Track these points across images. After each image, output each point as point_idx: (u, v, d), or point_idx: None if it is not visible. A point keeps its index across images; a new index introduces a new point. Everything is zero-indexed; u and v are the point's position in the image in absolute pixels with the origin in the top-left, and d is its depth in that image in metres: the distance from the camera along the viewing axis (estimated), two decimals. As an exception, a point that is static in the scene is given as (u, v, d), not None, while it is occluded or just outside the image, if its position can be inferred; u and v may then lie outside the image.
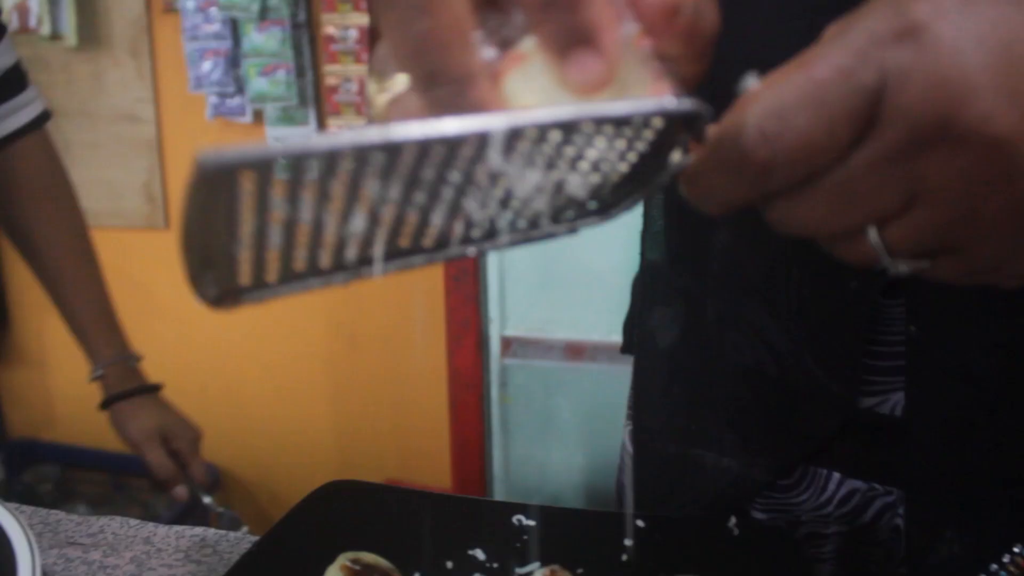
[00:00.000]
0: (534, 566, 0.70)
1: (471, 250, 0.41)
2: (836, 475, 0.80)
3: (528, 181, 0.38)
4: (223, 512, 1.59)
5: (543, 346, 2.51)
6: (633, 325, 1.05)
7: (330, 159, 0.34)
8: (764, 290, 0.79)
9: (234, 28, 2.77)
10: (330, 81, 2.80)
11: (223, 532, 0.84)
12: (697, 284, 0.84)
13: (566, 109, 0.37)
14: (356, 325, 2.86)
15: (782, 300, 0.77)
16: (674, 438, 0.88)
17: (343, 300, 2.86)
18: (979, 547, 0.75)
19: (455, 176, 0.37)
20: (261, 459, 3.07)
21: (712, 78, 0.44)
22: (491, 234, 0.41)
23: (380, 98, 0.44)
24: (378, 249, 0.39)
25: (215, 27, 2.77)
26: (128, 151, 2.96)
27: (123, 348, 1.50)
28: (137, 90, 2.93)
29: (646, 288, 0.94)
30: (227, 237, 0.35)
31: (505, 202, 0.40)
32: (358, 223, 0.37)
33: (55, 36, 2.86)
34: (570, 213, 0.42)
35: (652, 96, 0.39)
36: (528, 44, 0.39)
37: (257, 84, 2.79)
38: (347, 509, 0.79)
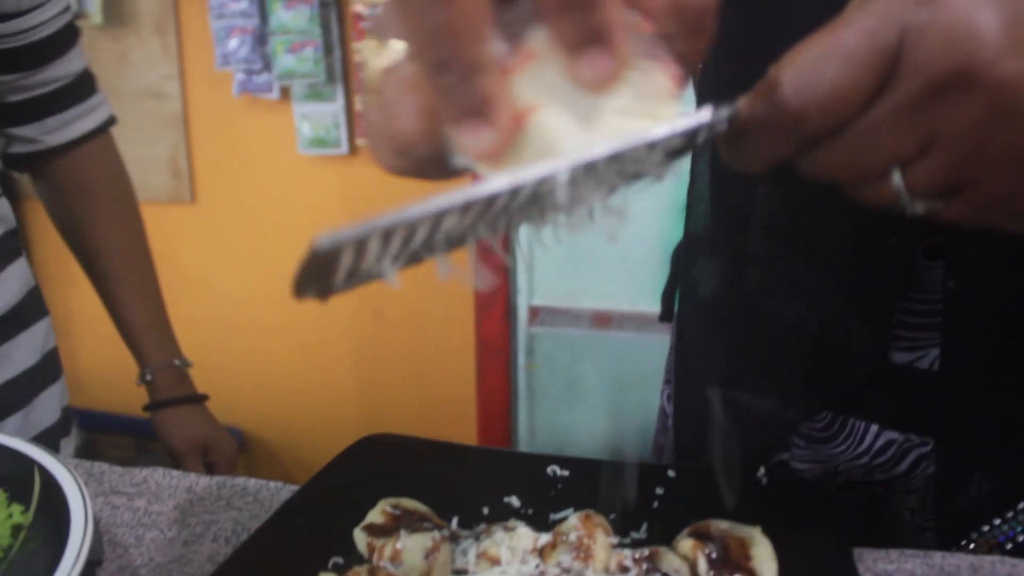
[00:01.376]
0: (568, 511, 0.72)
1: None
2: (873, 426, 0.82)
3: (583, 192, 0.43)
4: None
5: (570, 315, 2.53)
6: (671, 294, 1.08)
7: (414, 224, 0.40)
8: (805, 248, 0.82)
9: (261, 6, 2.78)
10: (358, 58, 2.80)
11: (264, 481, 0.87)
12: (740, 241, 0.87)
13: (619, 142, 0.41)
14: (382, 297, 2.89)
15: (823, 258, 0.80)
16: (712, 382, 0.91)
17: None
18: (1007, 487, 0.78)
19: (520, 202, 0.42)
20: (287, 427, 3.11)
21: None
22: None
23: (376, 61, 0.47)
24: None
25: (242, 5, 2.77)
26: (154, 127, 2.99)
27: (175, 353, 1.50)
28: (163, 67, 2.95)
29: (689, 246, 0.96)
30: (327, 271, 0.42)
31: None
32: (435, 244, 0.43)
33: (80, 15, 2.89)
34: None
35: (668, 91, 0.44)
36: (538, 40, 0.42)
37: (284, 61, 2.80)
38: (385, 461, 0.81)
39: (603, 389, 2.51)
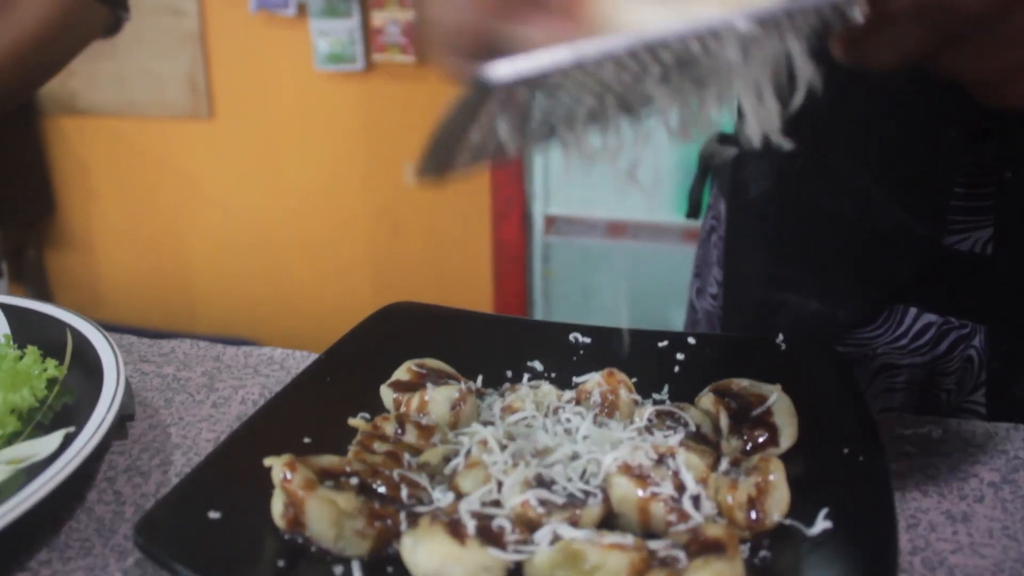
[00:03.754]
0: (592, 375, 0.73)
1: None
2: (913, 309, 0.83)
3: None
4: None
5: (585, 224, 2.53)
6: (699, 191, 1.08)
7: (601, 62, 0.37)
8: (856, 142, 0.81)
9: (278, -79, 2.75)
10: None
11: (290, 351, 0.88)
12: (790, 136, 0.85)
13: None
14: (399, 212, 2.89)
15: (873, 151, 0.80)
16: (762, 283, 0.92)
17: (385, 185, 2.88)
18: None
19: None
20: (303, 339, 3.14)
21: None
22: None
23: None
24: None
25: (259, -80, 2.75)
26: (172, 43, 2.98)
27: None
28: (181, -17, 2.93)
29: (739, 143, 0.95)
30: (456, 145, 0.40)
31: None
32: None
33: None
34: None
35: None
36: None
37: (301, -25, 2.78)
38: (408, 327, 0.82)
39: (617, 297, 2.52)
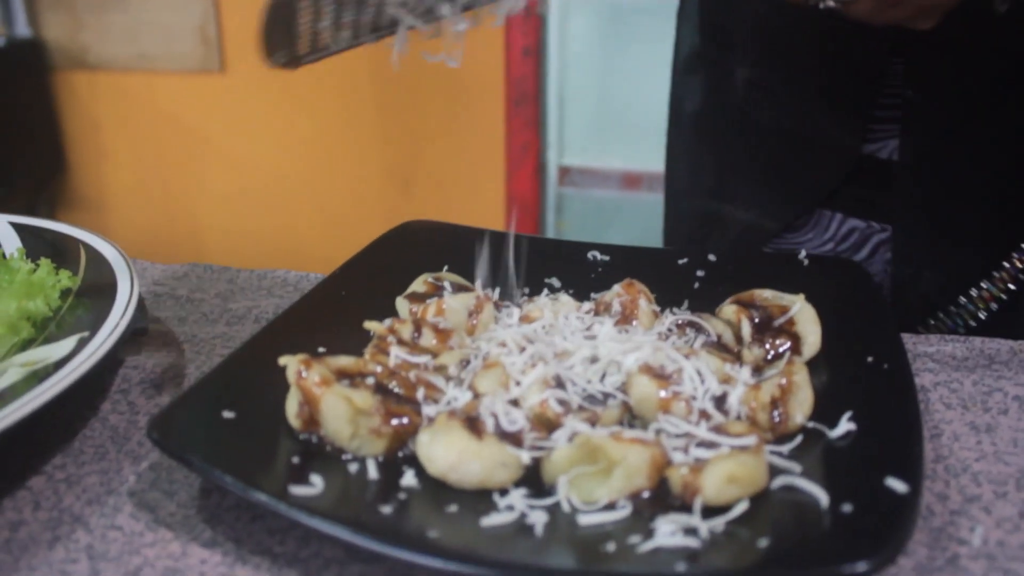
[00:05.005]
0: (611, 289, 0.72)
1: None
2: (838, 215, 0.88)
3: None
4: None
5: (600, 175, 2.51)
6: None
7: None
8: (785, 55, 0.86)
9: None
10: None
11: (304, 273, 0.87)
12: (725, 54, 0.90)
13: None
14: (410, 168, 2.87)
15: (801, 63, 0.85)
16: (699, 196, 0.97)
17: (397, 142, 2.87)
18: (954, 284, 0.84)
19: None
20: (316, 297, 3.14)
21: None
22: None
23: None
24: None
25: None
26: (182, -6, 2.96)
27: None
28: (191, -67, 2.91)
29: (677, 63, 0.99)
30: (290, 26, 0.51)
31: None
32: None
33: None
34: None
35: None
36: None
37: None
38: (425, 243, 0.81)
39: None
